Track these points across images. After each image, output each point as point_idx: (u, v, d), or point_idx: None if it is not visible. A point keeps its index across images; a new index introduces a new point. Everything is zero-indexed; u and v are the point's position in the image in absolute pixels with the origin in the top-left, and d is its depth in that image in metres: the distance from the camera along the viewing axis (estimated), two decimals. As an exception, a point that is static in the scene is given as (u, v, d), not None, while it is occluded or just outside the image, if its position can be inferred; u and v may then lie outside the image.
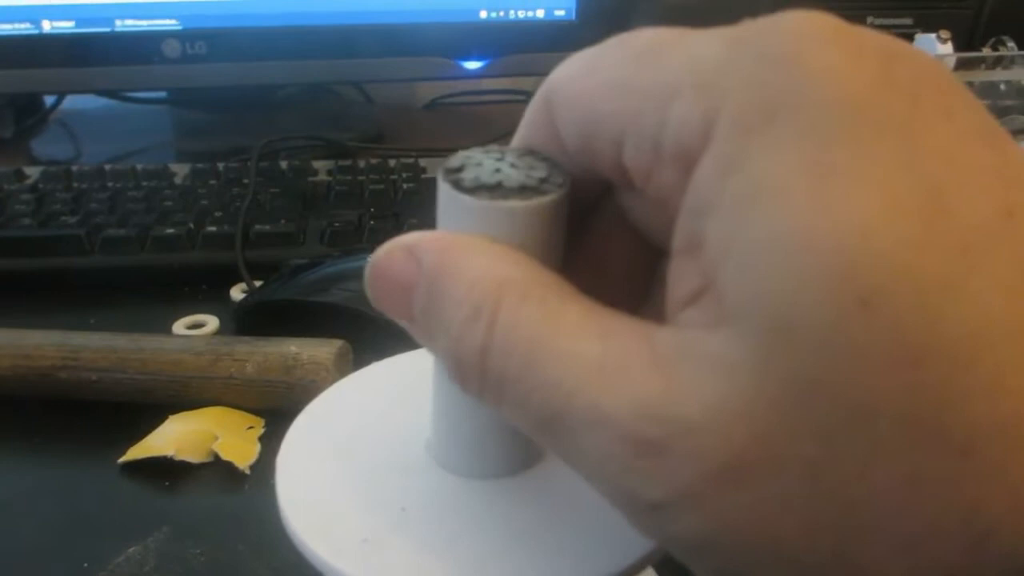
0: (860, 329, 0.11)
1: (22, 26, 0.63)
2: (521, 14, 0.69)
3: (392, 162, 0.61)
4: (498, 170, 0.15)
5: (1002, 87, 0.67)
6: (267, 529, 0.32)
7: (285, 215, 0.53)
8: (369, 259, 0.16)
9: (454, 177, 0.15)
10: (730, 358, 0.12)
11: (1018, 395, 0.11)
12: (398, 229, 0.52)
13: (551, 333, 0.13)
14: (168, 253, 0.50)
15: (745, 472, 0.11)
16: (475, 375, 0.14)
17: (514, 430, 0.15)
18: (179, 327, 0.45)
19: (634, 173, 0.14)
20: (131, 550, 0.31)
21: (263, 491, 0.34)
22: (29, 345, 0.38)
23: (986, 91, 0.67)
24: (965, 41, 0.78)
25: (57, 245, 0.50)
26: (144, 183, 0.57)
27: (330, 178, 0.59)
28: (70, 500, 0.34)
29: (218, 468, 0.35)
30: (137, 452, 0.35)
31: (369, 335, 0.33)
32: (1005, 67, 0.67)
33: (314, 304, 0.42)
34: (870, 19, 0.77)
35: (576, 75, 0.15)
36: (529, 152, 0.16)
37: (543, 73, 0.16)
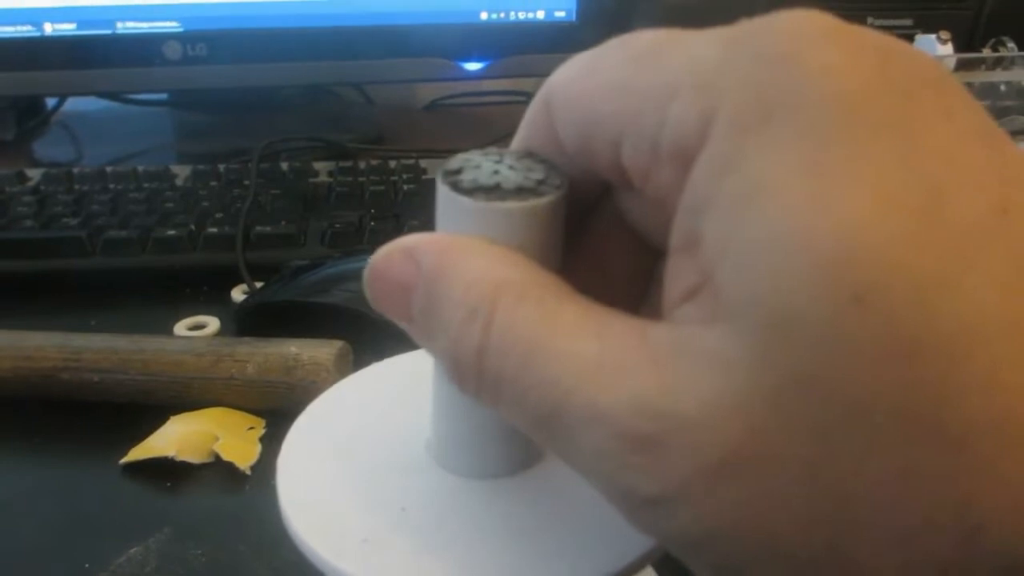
0: (855, 325, 0.11)
1: (24, 28, 0.64)
2: (521, 15, 0.69)
3: (392, 163, 0.61)
4: (496, 172, 0.15)
5: (1002, 88, 0.67)
6: (268, 529, 0.32)
7: (286, 216, 0.53)
8: (368, 261, 0.16)
9: (452, 179, 0.15)
10: (726, 354, 0.12)
11: (1012, 390, 0.11)
12: (399, 230, 0.52)
13: (548, 333, 0.13)
14: (169, 254, 0.50)
15: (741, 467, 0.11)
16: (472, 375, 0.14)
17: (514, 430, 0.15)
18: (180, 328, 0.45)
19: (632, 173, 0.14)
20: (132, 550, 0.31)
21: (264, 492, 0.34)
22: (31, 346, 0.39)
23: (986, 92, 0.67)
24: (965, 42, 0.78)
25: (59, 247, 0.50)
26: (145, 185, 0.57)
27: (331, 179, 0.59)
28: (71, 500, 0.34)
29: (219, 469, 0.35)
30: (138, 453, 0.36)
31: (369, 336, 0.33)
32: (1005, 68, 0.67)
33: (315, 305, 0.42)
34: (870, 20, 0.77)
35: (576, 77, 0.15)
36: (528, 154, 0.16)
37: (543, 74, 0.16)
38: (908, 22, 0.78)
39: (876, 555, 0.11)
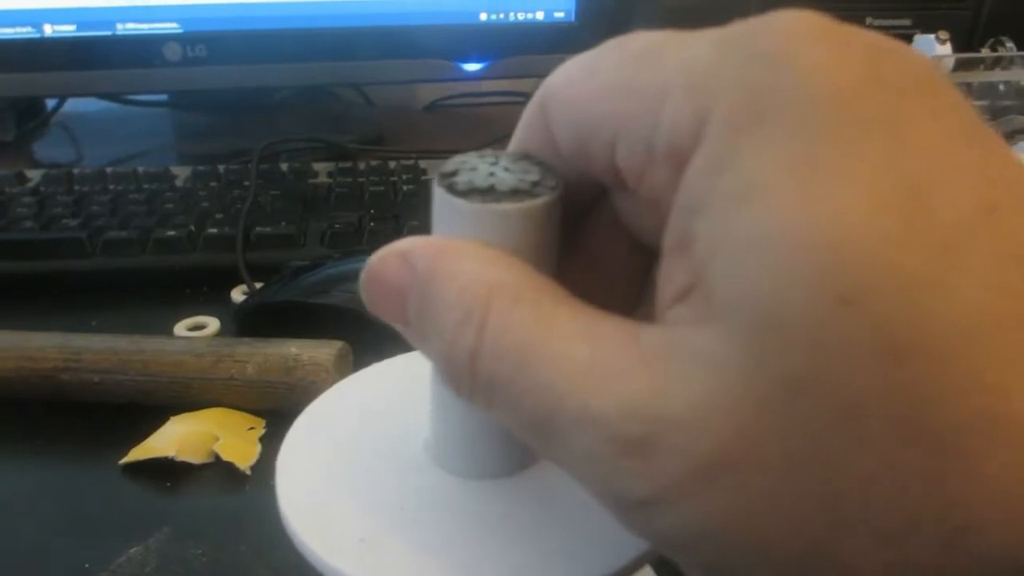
0: (842, 326, 0.11)
1: (24, 30, 0.64)
2: (521, 16, 0.69)
3: (392, 164, 0.61)
4: (492, 174, 0.15)
5: (1001, 88, 0.67)
6: (268, 529, 0.32)
7: (286, 217, 0.53)
8: (365, 264, 0.16)
9: (448, 181, 0.15)
10: (717, 355, 0.12)
11: (998, 391, 0.11)
12: (398, 231, 0.52)
13: (541, 336, 0.13)
14: (169, 255, 0.50)
15: (731, 468, 0.12)
16: (466, 378, 0.14)
17: (511, 431, 0.15)
18: (180, 329, 0.45)
19: (627, 174, 0.14)
20: (132, 551, 0.31)
21: (264, 492, 0.34)
22: (31, 347, 0.39)
23: (985, 92, 0.67)
24: (964, 42, 0.78)
25: (59, 248, 0.50)
26: (145, 186, 0.58)
27: (330, 180, 0.59)
28: (71, 501, 0.34)
29: (219, 469, 0.35)
30: (138, 453, 0.36)
31: (369, 336, 0.33)
32: (1004, 68, 0.67)
33: (314, 305, 0.42)
34: (869, 20, 0.77)
35: (571, 79, 0.15)
36: (524, 156, 0.16)
37: (543, 75, 0.16)
38: (907, 22, 0.78)
39: (862, 556, 0.11)
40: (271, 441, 0.37)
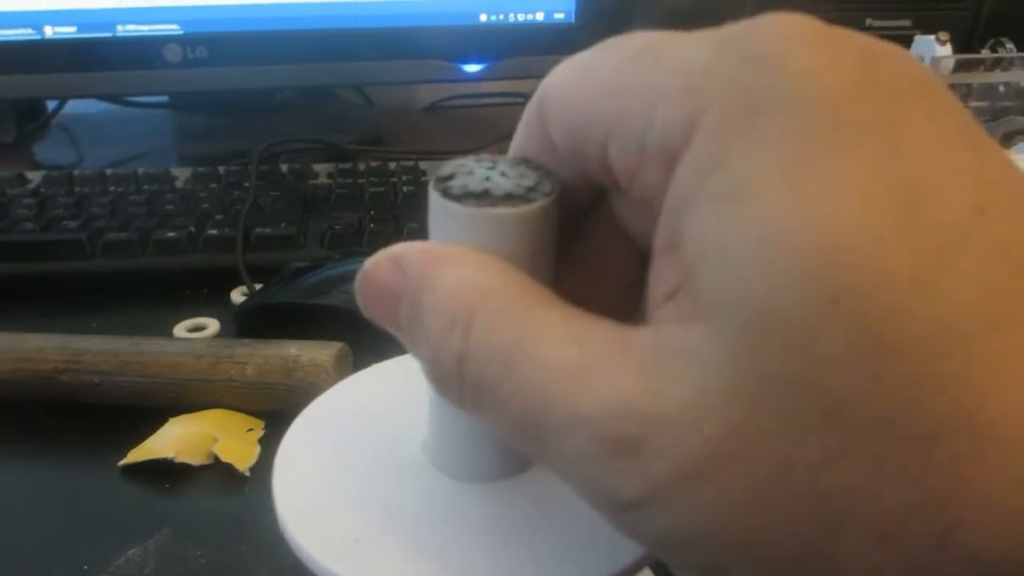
0: (833, 327, 0.11)
1: (24, 31, 0.64)
2: (521, 17, 0.69)
3: (392, 165, 0.61)
4: (488, 178, 0.15)
5: (1001, 88, 0.67)
6: (267, 531, 0.32)
7: (285, 218, 0.53)
8: (360, 268, 0.16)
9: (443, 185, 0.15)
10: (707, 354, 0.12)
11: (986, 390, 0.11)
12: (398, 232, 0.52)
13: (529, 340, 0.13)
14: (169, 256, 0.50)
15: (719, 467, 0.12)
16: (454, 382, 0.14)
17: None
18: (180, 330, 0.45)
19: (619, 174, 0.15)
20: (131, 552, 0.31)
21: (263, 493, 0.34)
22: (31, 348, 0.39)
23: (985, 92, 0.67)
24: (964, 43, 0.78)
25: (59, 249, 0.50)
26: (145, 187, 0.58)
27: (330, 181, 0.59)
28: (71, 502, 0.34)
29: (218, 470, 0.35)
30: (138, 454, 0.36)
31: (368, 337, 0.33)
32: (1004, 68, 0.67)
33: (314, 307, 0.42)
34: (868, 21, 0.77)
35: (568, 80, 0.15)
36: (523, 161, 0.16)
37: (543, 76, 0.16)
38: (907, 23, 0.78)
39: (853, 556, 0.11)
40: (270, 442, 0.37)
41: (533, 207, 0.15)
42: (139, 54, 0.65)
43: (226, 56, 0.66)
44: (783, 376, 0.11)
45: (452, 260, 0.15)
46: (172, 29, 0.65)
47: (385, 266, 0.15)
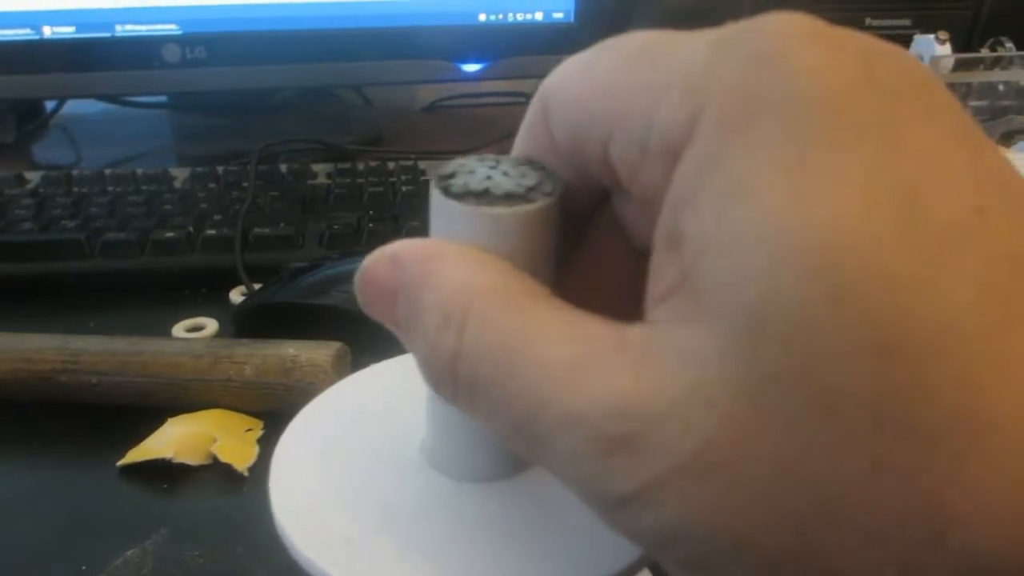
0: (832, 326, 0.11)
1: (23, 32, 0.64)
2: (520, 17, 0.69)
3: (391, 165, 0.61)
4: (489, 177, 0.15)
5: (1000, 88, 0.67)
6: (265, 531, 0.31)
7: (284, 218, 0.53)
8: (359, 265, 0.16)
9: (444, 183, 0.15)
10: (704, 352, 0.12)
11: (984, 390, 0.11)
12: (397, 231, 0.52)
13: (525, 338, 0.13)
14: (168, 257, 0.50)
15: (716, 464, 0.11)
16: (448, 381, 0.14)
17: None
18: (178, 330, 0.45)
19: (621, 173, 0.15)
20: (129, 552, 0.31)
21: (261, 493, 0.34)
22: (30, 349, 0.39)
23: (984, 92, 0.67)
24: (963, 42, 0.78)
25: (58, 249, 0.50)
26: (144, 187, 0.58)
27: (329, 181, 0.59)
28: (69, 502, 0.34)
29: (217, 470, 0.35)
30: (136, 455, 0.36)
31: (367, 337, 0.33)
32: (1003, 68, 0.67)
33: (313, 307, 0.42)
34: (868, 20, 0.77)
35: (569, 79, 0.15)
36: (526, 162, 0.16)
37: (542, 76, 0.16)
38: (906, 22, 0.78)
39: (848, 554, 0.11)
40: (269, 442, 0.37)
41: (533, 207, 0.15)
42: (138, 54, 0.65)
43: (225, 56, 0.66)
44: (783, 375, 0.11)
45: (449, 258, 0.15)
46: (171, 29, 0.65)
47: (384, 263, 0.15)
